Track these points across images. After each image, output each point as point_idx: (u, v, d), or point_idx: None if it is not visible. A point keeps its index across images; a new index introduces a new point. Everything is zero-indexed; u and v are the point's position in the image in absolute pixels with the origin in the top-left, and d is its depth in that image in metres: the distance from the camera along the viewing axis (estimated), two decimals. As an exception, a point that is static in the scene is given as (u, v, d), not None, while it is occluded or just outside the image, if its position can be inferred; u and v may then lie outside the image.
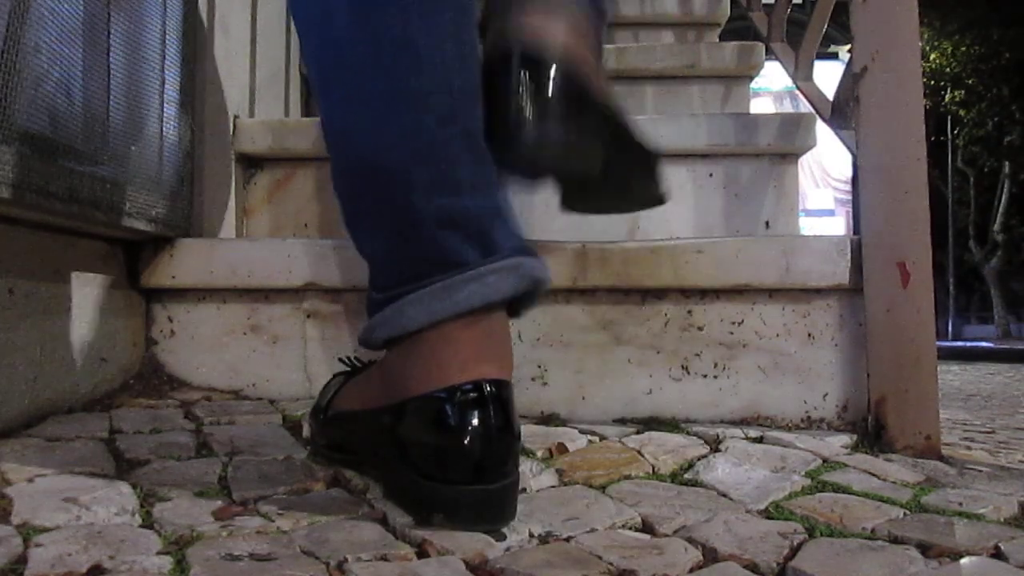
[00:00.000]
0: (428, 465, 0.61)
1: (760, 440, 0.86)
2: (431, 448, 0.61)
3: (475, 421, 0.59)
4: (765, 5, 1.66)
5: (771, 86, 8.53)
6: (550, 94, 0.67)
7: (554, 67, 0.67)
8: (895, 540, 0.62)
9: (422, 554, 0.56)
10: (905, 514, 0.68)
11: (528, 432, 0.85)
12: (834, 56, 8.55)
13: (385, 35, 0.61)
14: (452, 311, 0.61)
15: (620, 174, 0.78)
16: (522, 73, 0.66)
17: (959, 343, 10.75)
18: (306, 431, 0.83)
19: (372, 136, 0.62)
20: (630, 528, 0.63)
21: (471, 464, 0.59)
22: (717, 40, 1.83)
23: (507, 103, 0.66)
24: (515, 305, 0.65)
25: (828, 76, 1.32)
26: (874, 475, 0.78)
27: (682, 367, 0.95)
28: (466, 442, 0.59)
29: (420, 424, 0.61)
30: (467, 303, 0.61)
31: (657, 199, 0.84)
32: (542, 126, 0.66)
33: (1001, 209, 14.92)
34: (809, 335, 0.95)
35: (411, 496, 0.62)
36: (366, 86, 0.62)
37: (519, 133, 0.66)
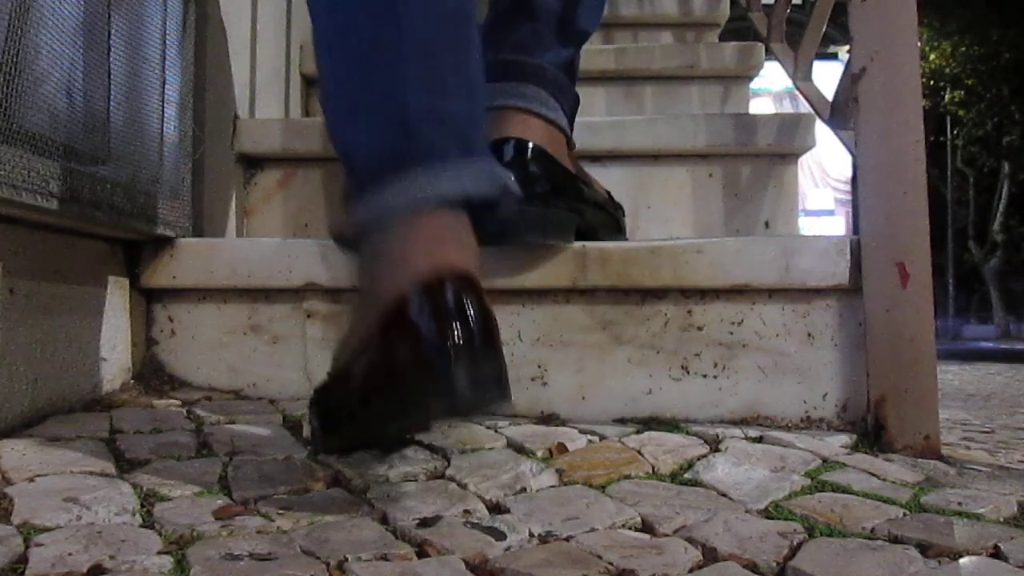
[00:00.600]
0: (416, 366, 0.61)
1: (760, 440, 0.86)
2: (419, 351, 0.61)
3: (453, 318, 0.60)
4: (765, 5, 1.66)
5: (771, 86, 8.53)
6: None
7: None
8: (895, 540, 0.62)
9: (422, 554, 0.56)
10: (905, 514, 0.68)
11: (528, 432, 0.85)
12: (834, 56, 8.56)
13: None
14: (432, 199, 0.63)
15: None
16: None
17: (958, 343, 10.74)
18: (306, 431, 0.83)
19: (371, 34, 0.66)
20: (630, 528, 0.63)
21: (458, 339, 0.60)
22: (716, 40, 1.83)
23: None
24: (483, 212, 0.67)
25: (828, 76, 1.32)
26: (874, 475, 0.78)
27: (682, 367, 0.95)
28: (449, 334, 0.60)
29: (404, 320, 0.62)
30: (445, 192, 0.64)
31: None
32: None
33: (1000, 209, 14.93)
34: (809, 335, 0.95)
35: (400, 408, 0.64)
36: None
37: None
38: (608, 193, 1.06)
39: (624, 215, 1.10)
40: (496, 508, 0.66)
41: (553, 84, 0.94)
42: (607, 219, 1.04)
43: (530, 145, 0.89)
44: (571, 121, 0.98)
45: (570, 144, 0.98)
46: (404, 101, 0.65)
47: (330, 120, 0.71)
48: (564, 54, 0.97)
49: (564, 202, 0.93)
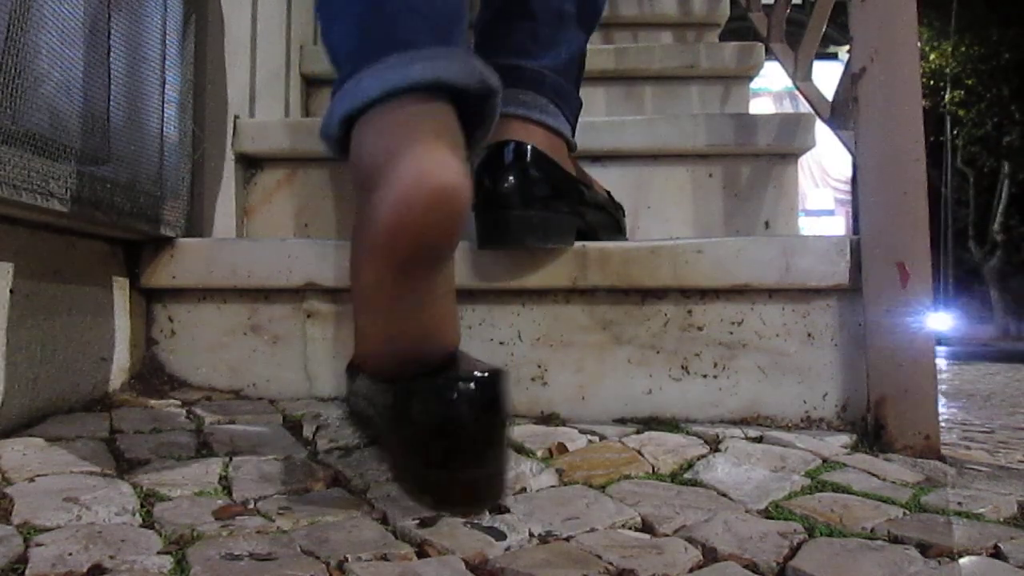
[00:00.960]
0: (419, 448, 0.61)
1: (760, 440, 0.86)
2: (422, 431, 0.60)
3: (462, 401, 0.59)
4: (765, 5, 1.66)
5: (771, 86, 8.52)
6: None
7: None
8: (895, 540, 0.62)
9: (422, 554, 0.56)
10: (905, 514, 0.68)
11: (528, 432, 0.85)
12: (834, 56, 8.55)
13: None
14: (404, 82, 0.62)
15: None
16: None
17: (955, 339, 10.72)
18: (306, 431, 0.83)
19: None
20: (630, 528, 0.63)
21: (458, 448, 0.59)
22: (716, 40, 1.83)
23: None
24: (465, 105, 0.66)
25: (828, 76, 1.32)
26: (874, 475, 0.78)
27: (682, 367, 0.95)
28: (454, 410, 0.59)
29: (413, 406, 0.60)
30: (419, 75, 0.63)
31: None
32: None
33: (1000, 209, 14.93)
34: (809, 335, 0.95)
35: (408, 478, 0.63)
36: None
37: None
38: (608, 193, 1.06)
39: (624, 215, 1.10)
40: (496, 508, 0.66)
41: (553, 90, 0.93)
42: (607, 220, 1.04)
43: (529, 148, 0.88)
44: (573, 125, 0.97)
45: (571, 147, 0.97)
46: None
47: (321, 26, 0.71)
48: (567, 53, 0.95)
49: (565, 205, 0.92)
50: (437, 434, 0.60)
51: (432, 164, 0.58)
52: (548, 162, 0.90)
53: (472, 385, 0.60)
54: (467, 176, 0.59)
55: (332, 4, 0.70)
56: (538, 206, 0.89)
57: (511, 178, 0.88)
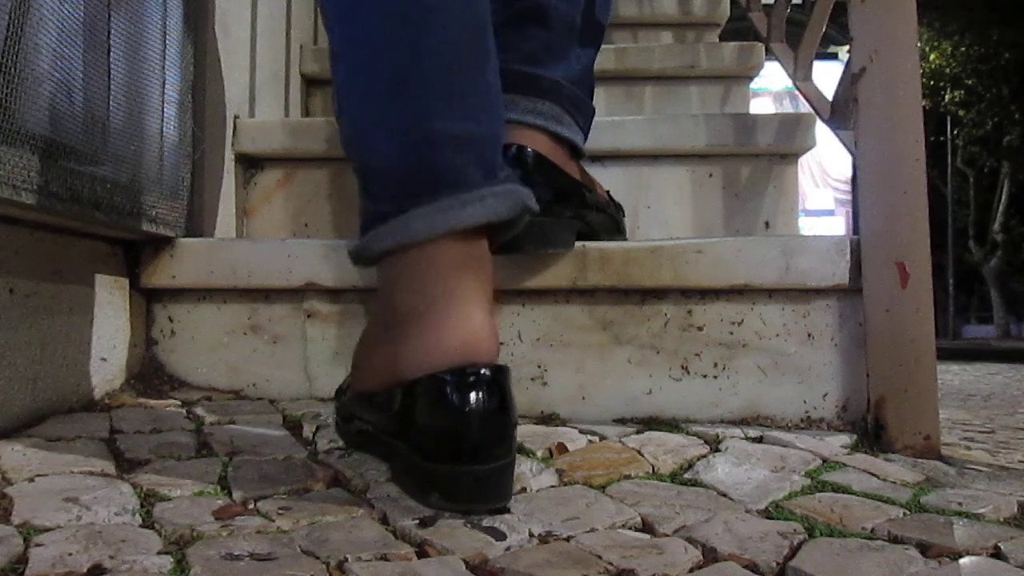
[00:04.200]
0: (427, 445, 0.64)
1: (760, 440, 0.86)
2: (430, 429, 0.64)
3: (471, 396, 0.62)
4: (765, 5, 1.66)
5: (771, 86, 8.53)
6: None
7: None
8: (895, 540, 0.62)
9: (422, 554, 0.56)
10: (905, 514, 0.68)
11: (528, 432, 0.85)
12: (834, 56, 8.56)
13: None
14: (455, 226, 0.65)
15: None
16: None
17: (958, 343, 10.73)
18: (306, 431, 0.83)
19: (392, 47, 0.65)
20: (630, 528, 0.63)
21: (467, 443, 0.62)
22: (717, 40, 1.83)
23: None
24: (501, 228, 0.69)
25: (828, 76, 1.32)
26: (874, 475, 0.78)
27: (682, 367, 0.95)
28: (464, 417, 0.62)
29: (421, 405, 0.64)
30: (470, 219, 0.65)
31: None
32: None
33: (1001, 209, 14.93)
34: (809, 335, 0.95)
35: (411, 477, 0.66)
36: (397, 4, 0.65)
37: None
38: (608, 194, 1.06)
39: (624, 216, 1.10)
40: (496, 508, 0.66)
41: (569, 100, 0.92)
42: (608, 221, 1.04)
43: (531, 152, 0.88)
44: (586, 133, 0.97)
45: (580, 154, 0.96)
46: (428, 124, 0.65)
47: (347, 134, 0.70)
48: (577, 65, 0.94)
49: (567, 209, 0.92)
50: (446, 430, 0.62)
51: (468, 333, 0.64)
52: (550, 166, 0.90)
53: (479, 380, 0.62)
54: (495, 334, 0.66)
55: (362, 121, 0.68)
56: (539, 211, 0.88)
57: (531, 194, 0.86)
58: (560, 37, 0.92)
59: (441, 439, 0.62)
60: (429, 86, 0.65)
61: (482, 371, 0.63)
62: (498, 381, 0.63)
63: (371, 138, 0.68)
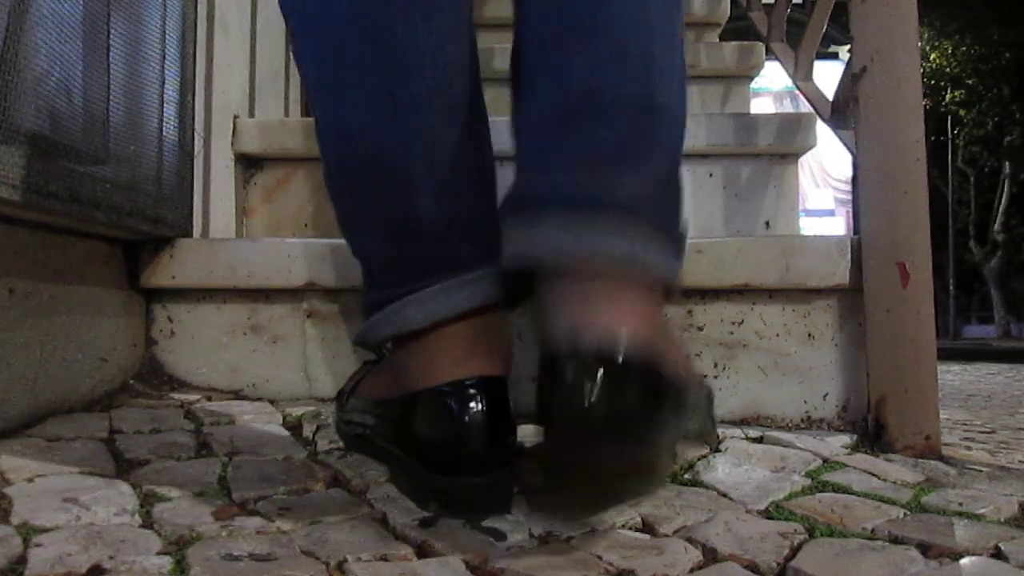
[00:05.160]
0: (427, 457, 0.63)
1: (760, 440, 0.86)
2: (428, 441, 0.63)
3: (466, 416, 0.61)
4: (765, 5, 1.66)
5: (771, 86, 8.52)
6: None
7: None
8: (895, 540, 0.62)
9: (422, 554, 0.56)
10: (905, 514, 0.68)
11: (528, 432, 0.85)
12: (834, 56, 8.54)
13: (388, 36, 0.61)
14: (451, 312, 0.62)
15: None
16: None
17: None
18: (306, 431, 0.83)
19: (376, 136, 0.62)
20: (630, 528, 0.63)
21: (462, 457, 0.61)
22: (717, 40, 1.83)
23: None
24: (513, 298, 0.66)
25: (828, 76, 1.32)
26: (874, 475, 0.78)
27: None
28: (457, 436, 0.61)
29: (418, 418, 0.63)
30: (466, 303, 0.62)
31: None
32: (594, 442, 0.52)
33: (1001, 209, 14.93)
34: (809, 335, 0.95)
35: (411, 484, 0.66)
36: (369, 86, 0.62)
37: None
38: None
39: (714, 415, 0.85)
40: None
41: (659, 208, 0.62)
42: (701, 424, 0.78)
43: (623, 346, 0.53)
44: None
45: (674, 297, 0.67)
46: (416, 213, 0.62)
47: (340, 219, 0.68)
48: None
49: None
50: (442, 441, 0.61)
51: (473, 345, 0.63)
52: (650, 368, 0.54)
53: (475, 393, 0.61)
54: (505, 345, 0.65)
55: (357, 211, 0.66)
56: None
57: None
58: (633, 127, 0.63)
59: (439, 450, 0.62)
60: (414, 170, 0.62)
61: (474, 383, 0.61)
62: (492, 393, 0.62)
63: (359, 226, 0.67)
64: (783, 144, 1.25)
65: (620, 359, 0.52)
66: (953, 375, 3.64)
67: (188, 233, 1.03)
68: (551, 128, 0.60)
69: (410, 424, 0.63)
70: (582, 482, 0.55)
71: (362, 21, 0.61)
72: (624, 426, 0.52)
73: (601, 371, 0.51)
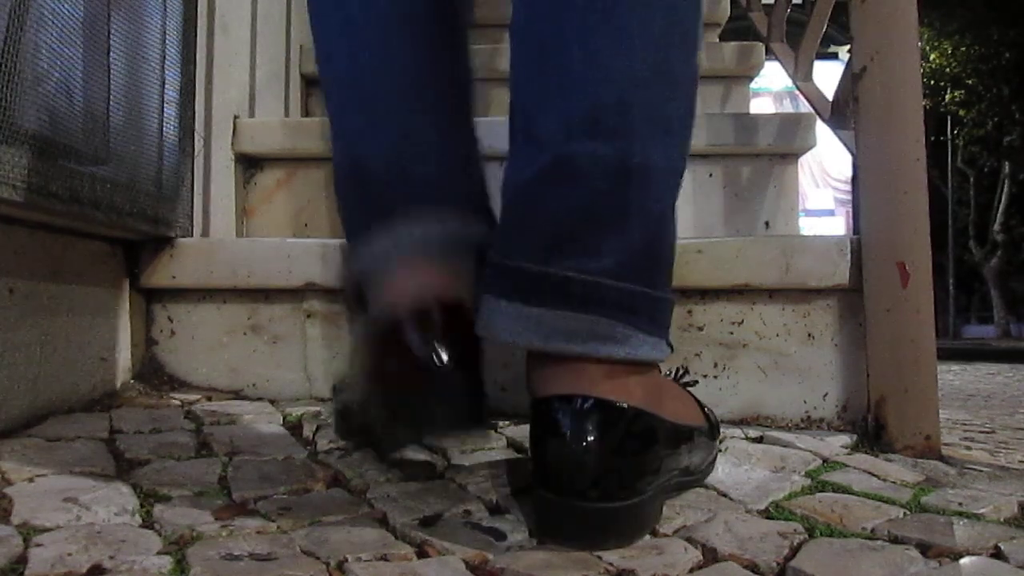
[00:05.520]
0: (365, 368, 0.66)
1: (760, 440, 0.86)
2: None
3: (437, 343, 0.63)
4: (765, 5, 1.66)
5: (771, 86, 8.52)
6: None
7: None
8: (895, 540, 0.62)
9: (422, 554, 0.56)
10: (905, 514, 0.68)
11: (527, 432, 0.85)
12: (834, 56, 8.54)
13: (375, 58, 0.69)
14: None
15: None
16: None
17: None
18: (306, 431, 0.83)
19: (360, 143, 0.70)
20: (630, 528, 0.63)
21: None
22: (717, 40, 1.83)
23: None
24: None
25: (828, 76, 1.32)
26: (874, 475, 0.78)
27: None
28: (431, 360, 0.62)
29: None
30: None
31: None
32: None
33: (1001, 209, 14.93)
34: (809, 335, 0.95)
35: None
36: (355, 99, 0.71)
37: None
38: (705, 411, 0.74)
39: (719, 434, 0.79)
40: (496, 508, 0.66)
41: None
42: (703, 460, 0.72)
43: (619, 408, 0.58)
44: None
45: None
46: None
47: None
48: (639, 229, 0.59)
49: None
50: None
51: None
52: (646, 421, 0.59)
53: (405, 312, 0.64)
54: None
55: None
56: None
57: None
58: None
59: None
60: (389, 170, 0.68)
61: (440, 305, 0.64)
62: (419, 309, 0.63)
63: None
64: (783, 144, 1.25)
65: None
66: (953, 375, 3.65)
67: (188, 233, 1.03)
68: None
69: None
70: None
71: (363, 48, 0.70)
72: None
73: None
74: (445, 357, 0.60)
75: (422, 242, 0.65)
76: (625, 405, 0.57)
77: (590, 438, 0.56)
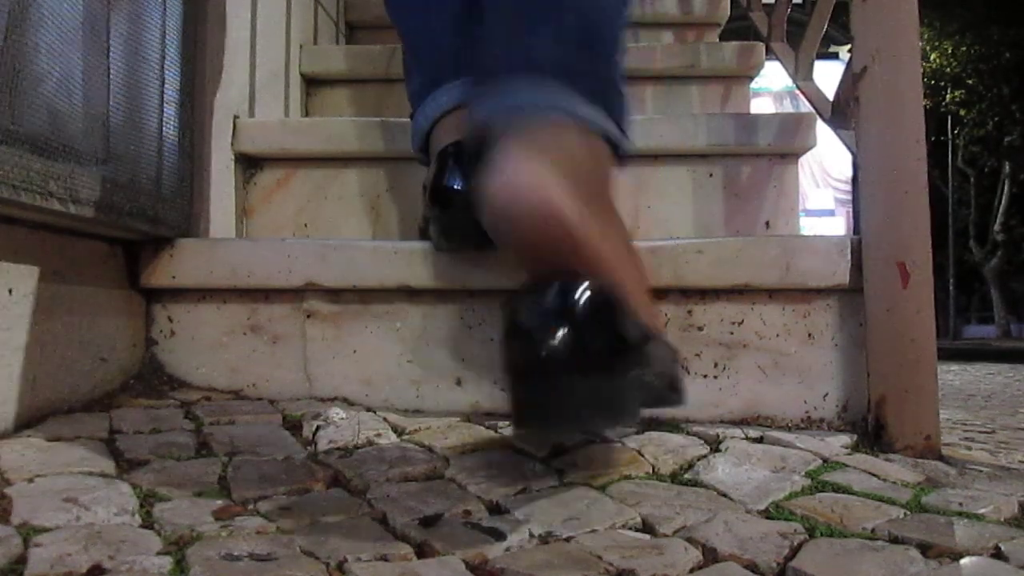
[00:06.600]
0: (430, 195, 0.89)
1: (760, 440, 0.86)
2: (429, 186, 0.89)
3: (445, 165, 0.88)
4: (765, 5, 1.65)
5: (771, 86, 8.52)
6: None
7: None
8: (895, 540, 0.62)
9: (422, 554, 0.56)
10: (905, 514, 0.68)
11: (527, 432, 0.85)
12: (834, 56, 8.54)
13: None
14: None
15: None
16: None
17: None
18: (306, 431, 0.83)
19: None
20: (630, 528, 0.63)
21: (439, 191, 0.87)
22: (717, 40, 1.83)
23: None
24: None
25: (828, 76, 1.32)
26: (874, 475, 0.78)
27: (682, 367, 0.95)
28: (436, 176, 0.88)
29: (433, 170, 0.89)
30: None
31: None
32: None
33: (1001, 209, 14.94)
34: (809, 335, 0.95)
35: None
36: None
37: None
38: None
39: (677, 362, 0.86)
40: (496, 508, 0.66)
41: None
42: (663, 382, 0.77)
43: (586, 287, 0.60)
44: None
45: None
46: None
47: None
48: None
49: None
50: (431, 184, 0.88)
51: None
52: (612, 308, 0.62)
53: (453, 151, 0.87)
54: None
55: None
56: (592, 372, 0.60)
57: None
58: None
59: (432, 190, 0.89)
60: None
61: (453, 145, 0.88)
62: (461, 150, 0.87)
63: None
64: (783, 144, 1.25)
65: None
66: (953, 375, 3.65)
67: (188, 233, 1.03)
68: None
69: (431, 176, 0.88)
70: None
71: None
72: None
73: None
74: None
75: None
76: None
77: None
